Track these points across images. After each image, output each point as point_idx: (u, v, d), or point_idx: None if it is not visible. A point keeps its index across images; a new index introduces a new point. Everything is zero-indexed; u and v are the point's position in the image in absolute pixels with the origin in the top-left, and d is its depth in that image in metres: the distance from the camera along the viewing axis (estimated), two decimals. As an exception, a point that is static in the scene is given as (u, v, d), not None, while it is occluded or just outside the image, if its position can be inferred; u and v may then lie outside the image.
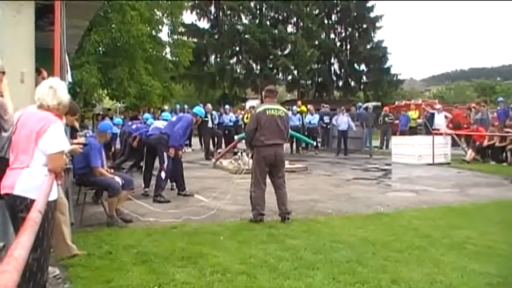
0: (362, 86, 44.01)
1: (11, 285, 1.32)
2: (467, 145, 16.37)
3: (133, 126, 12.65)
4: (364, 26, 42.31)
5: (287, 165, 9.29)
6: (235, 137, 15.73)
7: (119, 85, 19.98)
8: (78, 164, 6.41)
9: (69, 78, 7.80)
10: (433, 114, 18.05)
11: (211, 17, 40.67)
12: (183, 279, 4.15)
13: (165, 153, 8.45)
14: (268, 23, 40.29)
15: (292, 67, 39.10)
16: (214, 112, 18.54)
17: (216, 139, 18.15)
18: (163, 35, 36.59)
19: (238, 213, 7.09)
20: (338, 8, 42.27)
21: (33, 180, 3.23)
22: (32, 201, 2.84)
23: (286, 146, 15.20)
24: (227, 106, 21.23)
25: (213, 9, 40.47)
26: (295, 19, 41.73)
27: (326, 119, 20.05)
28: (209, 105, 18.00)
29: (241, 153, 12.36)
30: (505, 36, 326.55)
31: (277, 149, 6.67)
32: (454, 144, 16.01)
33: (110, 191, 6.38)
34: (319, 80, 42.73)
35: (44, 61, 5.81)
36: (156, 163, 8.94)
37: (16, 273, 1.40)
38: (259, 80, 38.64)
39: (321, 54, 40.38)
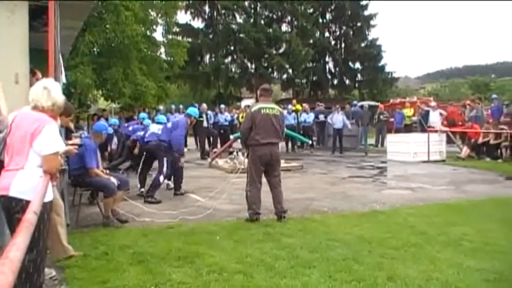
0: (357, 84, 44.20)
1: (6, 287, 1.32)
2: (462, 142, 16.43)
3: (130, 128, 12.71)
4: (359, 24, 42.48)
5: (283, 164, 9.31)
6: (231, 137, 15.72)
7: (114, 85, 19.91)
8: (73, 165, 6.38)
9: (63, 79, 7.78)
10: (428, 112, 18.08)
11: (206, 17, 40.68)
12: (180, 279, 4.15)
13: (165, 159, 8.53)
14: (262, 22, 40.38)
15: (287, 66, 39.17)
16: (209, 112, 18.51)
17: (211, 139, 18.15)
18: (158, 35, 36.63)
19: (234, 213, 7.09)
20: (332, 7, 42.39)
21: (29, 182, 3.22)
22: (28, 202, 2.83)
23: (282, 144, 15.21)
24: (222, 105, 21.21)
25: (207, 8, 40.47)
26: (289, 18, 41.87)
27: (321, 117, 20.08)
28: (204, 105, 17.98)
29: (237, 152, 12.37)
30: (499, 34, 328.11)
31: (272, 148, 6.67)
32: (449, 141, 16.07)
33: (105, 192, 6.37)
34: (314, 78, 42.79)
35: (38, 62, 5.79)
36: (154, 165, 9.03)
37: (11, 274, 1.40)
38: (254, 79, 38.67)
39: (316, 53, 40.55)
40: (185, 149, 18.33)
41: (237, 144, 13.55)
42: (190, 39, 35.94)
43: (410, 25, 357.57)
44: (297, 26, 40.23)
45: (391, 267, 4.42)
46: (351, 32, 43.01)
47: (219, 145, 17.42)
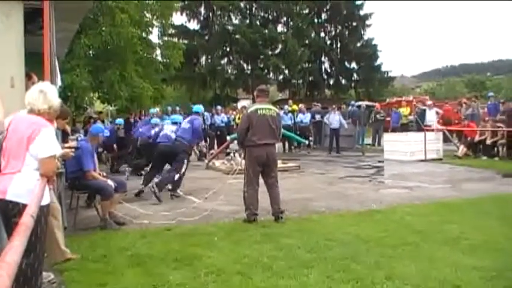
0: (353, 84, 44.17)
1: (3, 290, 1.32)
2: (459, 141, 16.46)
3: (140, 130, 13.29)
4: (354, 24, 42.40)
5: (279, 164, 9.29)
6: (228, 138, 15.73)
7: (110, 88, 19.85)
8: (70, 168, 6.38)
9: (59, 82, 7.76)
10: (424, 111, 18.11)
11: (201, 18, 40.58)
12: (178, 280, 4.16)
13: (185, 160, 8.82)
14: (258, 22, 40.36)
15: (283, 66, 39.15)
16: (206, 113, 18.44)
17: (208, 140, 18.14)
18: (154, 37, 36.38)
19: (231, 214, 7.09)
20: (328, 7, 42.28)
21: (26, 185, 3.22)
22: (25, 206, 2.83)
23: (279, 145, 15.20)
24: (219, 107, 21.15)
25: (202, 10, 40.38)
26: (285, 18, 41.80)
27: (318, 117, 20.09)
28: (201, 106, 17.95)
29: (234, 153, 12.38)
30: (495, 32, 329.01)
31: (269, 149, 6.68)
32: (446, 140, 16.08)
33: (102, 194, 6.37)
34: (310, 78, 42.71)
35: (33, 65, 5.77)
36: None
37: (8, 278, 1.40)
38: (251, 80, 38.68)
39: (312, 53, 40.51)
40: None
41: (234, 145, 13.54)
42: (186, 41, 35.98)
43: (406, 24, 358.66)
44: (293, 27, 40.18)
45: (389, 266, 4.43)
46: (347, 32, 42.94)
47: (215, 146, 17.40)
